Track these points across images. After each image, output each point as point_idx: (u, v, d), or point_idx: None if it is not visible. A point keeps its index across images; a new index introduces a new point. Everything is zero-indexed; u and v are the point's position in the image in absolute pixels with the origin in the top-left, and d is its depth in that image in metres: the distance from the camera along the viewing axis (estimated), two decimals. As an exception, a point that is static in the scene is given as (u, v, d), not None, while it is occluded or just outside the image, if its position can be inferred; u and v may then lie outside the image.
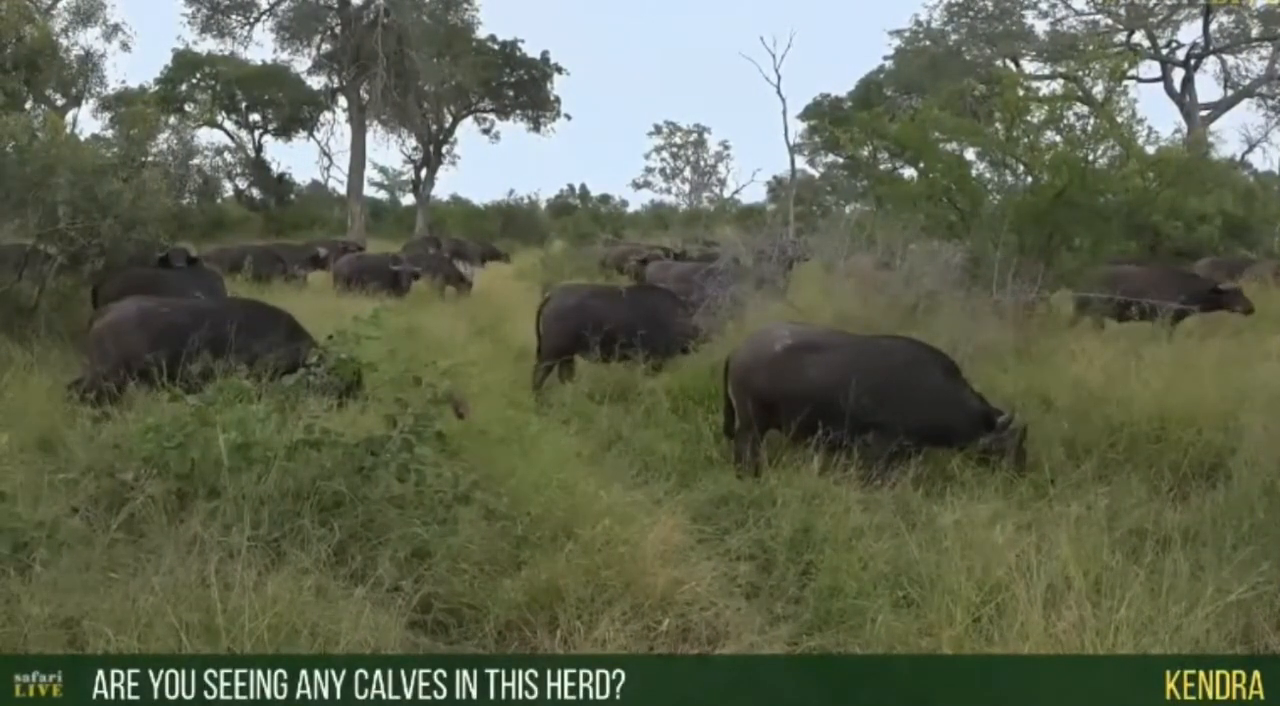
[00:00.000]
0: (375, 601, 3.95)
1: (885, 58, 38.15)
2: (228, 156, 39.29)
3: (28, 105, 12.67)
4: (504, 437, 6.57)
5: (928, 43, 36.02)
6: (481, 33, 38.12)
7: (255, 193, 39.57)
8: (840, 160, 37.88)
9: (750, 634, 4.39)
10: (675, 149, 56.43)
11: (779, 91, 34.75)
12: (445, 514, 4.78)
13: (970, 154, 13.87)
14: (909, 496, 6.08)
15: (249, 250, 18.17)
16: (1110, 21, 32.85)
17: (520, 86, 40.09)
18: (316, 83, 37.51)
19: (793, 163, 35.88)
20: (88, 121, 47.69)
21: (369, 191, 40.69)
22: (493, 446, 6.28)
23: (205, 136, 37.61)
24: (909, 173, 15.55)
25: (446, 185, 70.49)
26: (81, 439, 5.71)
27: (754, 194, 67.28)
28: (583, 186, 51.13)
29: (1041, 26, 34.04)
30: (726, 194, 55.33)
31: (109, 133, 22.32)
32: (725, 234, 22.79)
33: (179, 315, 7.97)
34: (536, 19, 61.80)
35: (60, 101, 26.64)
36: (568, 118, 41.17)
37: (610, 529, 4.83)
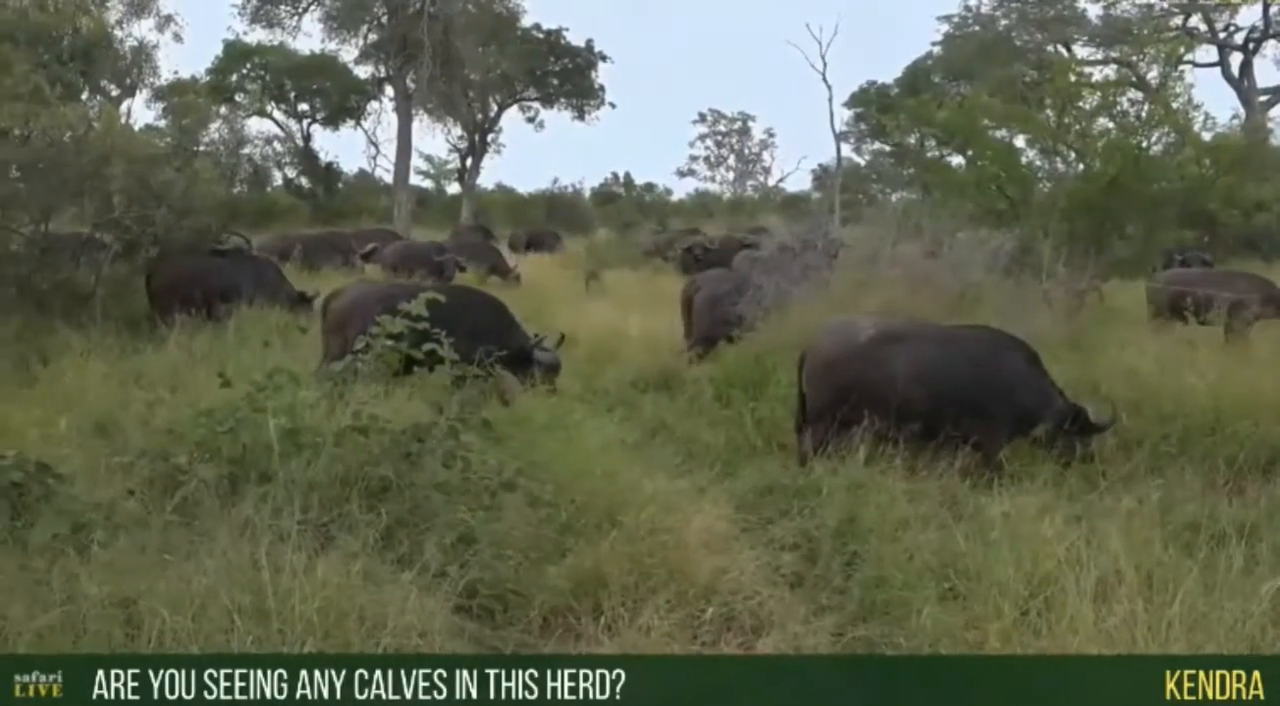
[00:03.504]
0: (422, 586, 3.99)
1: (933, 44, 37.64)
2: (277, 146, 39.82)
3: (83, 96, 12.91)
4: (548, 425, 6.60)
5: (977, 28, 35.43)
6: (526, 21, 38.16)
7: (303, 181, 40.05)
8: (886, 148, 37.44)
9: (794, 624, 4.36)
10: (720, 137, 56.29)
11: (825, 79, 34.27)
12: (490, 500, 4.81)
13: (1020, 141, 13.74)
14: (956, 487, 6.02)
15: (300, 239, 18.42)
16: (1166, 5, 32.06)
17: (564, 75, 40.08)
18: (363, 72, 37.79)
19: (838, 150, 35.44)
20: (141, 112, 48.50)
21: (415, 180, 40.95)
22: (537, 434, 6.31)
23: (255, 126, 38.19)
24: (957, 160, 15.42)
25: (491, 174, 70.74)
26: (136, 423, 5.84)
27: (799, 182, 66.96)
28: (627, 175, 51.10)
29: (1094, 10, 33.32)
30: (771, 182, 55.11)
31: (162, 123, 22.76)
32: (770, 223, 22.64)
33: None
34: (581, 7, 61.97)
35: (115, 92, 27.08)
36: (612, 106, 41.11)
37: (654, 517, 4.84)
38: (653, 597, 4.32)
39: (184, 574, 3.78)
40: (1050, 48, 33.19)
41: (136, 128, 14.77)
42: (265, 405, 4.86)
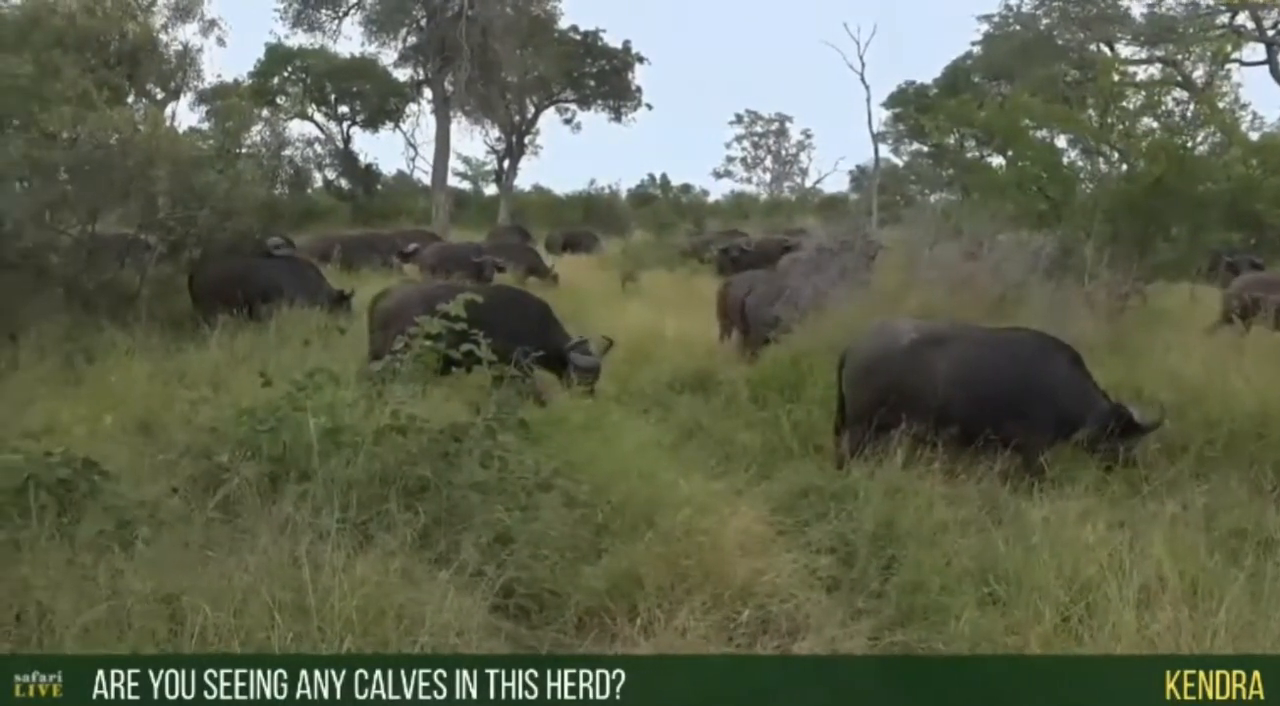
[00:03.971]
0: (459, 585, 4.01)
1: (973, 43, 37.19)
2: (317, 147, 40.26)
3: (130, 99, 13.13)
4: (585, 425, 6.62)
5: (1018, 27, 34.97)
6: (563, 23, 38.28)
7: (343, 183, 40.47)
8: (925, 149, 37.11)
9: (831, 627, 4.35)
10: (757, 138, 56.19)
11: (863, 79, 33.96)
12: (527, 500, 4.83)
13: (1062, 141, 13.57)
14: (995, 491, 5.96)
15: (340, 240, 18.63)
16: (1212, 2, 31.49)
17: (602, 76, 40.20)
18: (402, 75, 38.07)
19: (876, 151, 35.15)
20: (185, 114, 49.31)
21: (453, 182, 41.24)
22: (574, 434, 6.33)
23: (296, 128, 38.59)
24: (997, 161, 15.27)
25: (529, 175, 71.11)
26: (180, 422, 5.93)
27: (836, 183, 66.60)
28: (663, 176, 51.13)
29: (1138, 9, 32.74)
30: (808, 183, 54.90)
31: (205, 126, 23.08)
32: (807, 224, 22.56)
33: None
34: (618, 8, 62.06)
35: (160, 96, 27.51)
36: (649, 107, 41.14)
37: (690, 518, 4.84)
38: (689, 599, 4.32)
39: (226, 570, 3.83)
40: (1093, 47, 32.68)
41: (181, 130, 14.96)
42: (305, 404, 4.92)
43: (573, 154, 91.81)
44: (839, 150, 64.37)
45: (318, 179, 40.42)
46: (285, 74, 38.75)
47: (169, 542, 4.07)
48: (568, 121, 41.64)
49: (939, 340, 6.86)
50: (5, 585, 3.77)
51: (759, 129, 55.97)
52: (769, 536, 5.15)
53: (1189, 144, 11.88)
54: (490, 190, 45.86)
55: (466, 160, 46.46)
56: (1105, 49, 32.67)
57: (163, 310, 11.54)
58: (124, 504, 4.35)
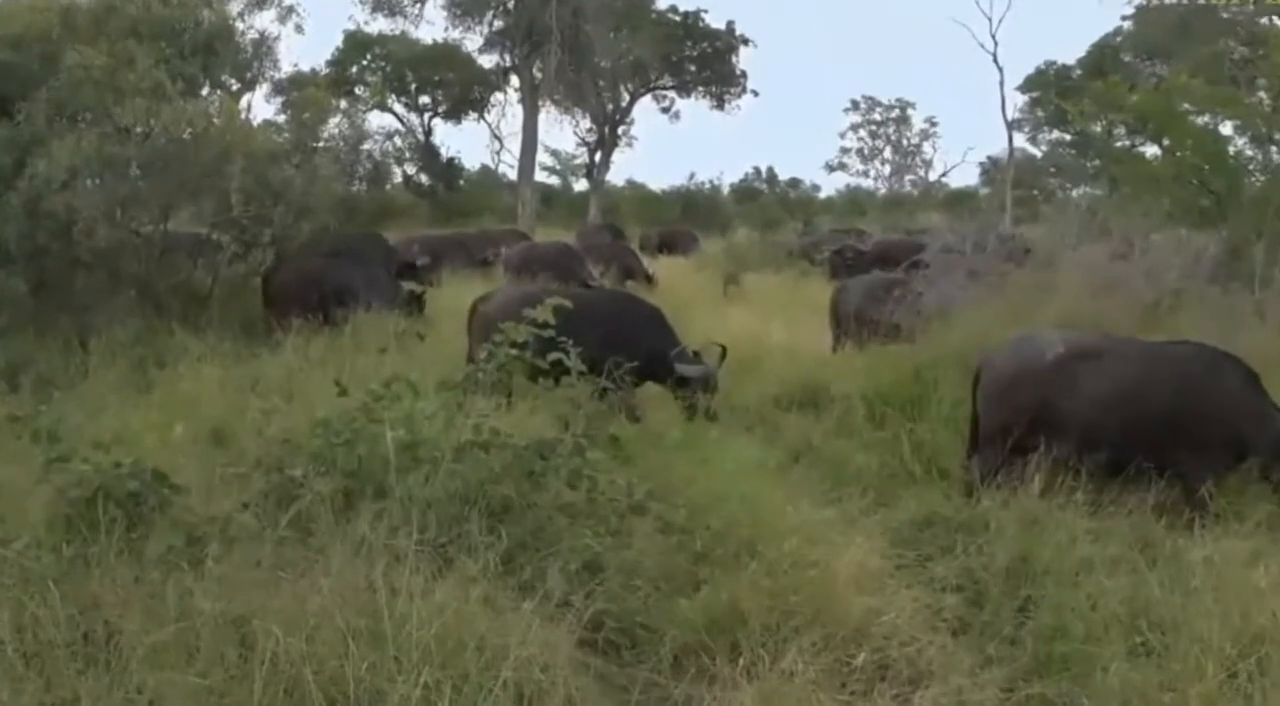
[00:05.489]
0: (544, 616, 4.04)
1: (1123, 18, 36.30)
2: (397, 141, 41.29)
3: (204, 91, 13.65)
4: (682, 444, 6.62)
5: (1175, -1, 33.97)
6: (661, 3, 38.64)
7: (423, 178, 41.42)
8: (1067, 137, 36.31)
9: (958, 676, 4.25)
10: (874, 127, 55.75)
11: (995, 60, 33.25)
12: (618, 525, 4.85)
13: (1227, 128, 13.12)
14: (1149, 526, 5.79)
15: (421, 240, 19.09)
16: None
17: (703, 61, 40.36)
18: (488, 61, 38.93)
19: (1010, 141, 34.61)
20: (260, 106, 51.01)
21: (540, 176, 41.92)
22: (670, 453, 6.34)
23: (375, 120, 39.70)
24: (1151, 151, 14.82)
25: (622, 169, 71.75)
26: (252, 432, 6.12)
27: (965, 176, 65.50)
28: (770, 169, 51.12)
29: (1319, -24, 31.48)
30: (933, 177, 54.13)
31: (281, 118, 23.85)
32: (931, 222, 22.21)
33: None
34: (722, -14, 62.01)
35: (234, 86, 28.49)
36: (754, 94, 41.24)
37: (798, 549, 4.80)
38: (796, 639, 4.27)
39: (298, 593, 3.93)
40: (1264, 20, 31.47)
41: (256, 123, 15.51)
42: (382, 416, 5.01)
43: (670, 146, 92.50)
44: (968, 140, 63.63)
45: (397, 174, 41.47)
46: (364, 62, 39.92)
47: (239, 561, 4.18)
48: (665, 110, 42.02)
49: (1090, 354, 6.69)
50: (74, 603, 3.93)
51: (877, 117, 55.51)
52: (887, 571, 5.06)
53: (1379, 130, 11.37)
54: (580, 185, 46.47)
55: (555, 153, 47.18)
56: (1278, 22, 31.42)
57: (235, 313, 11.97)
58: (194, 519, 4.50)
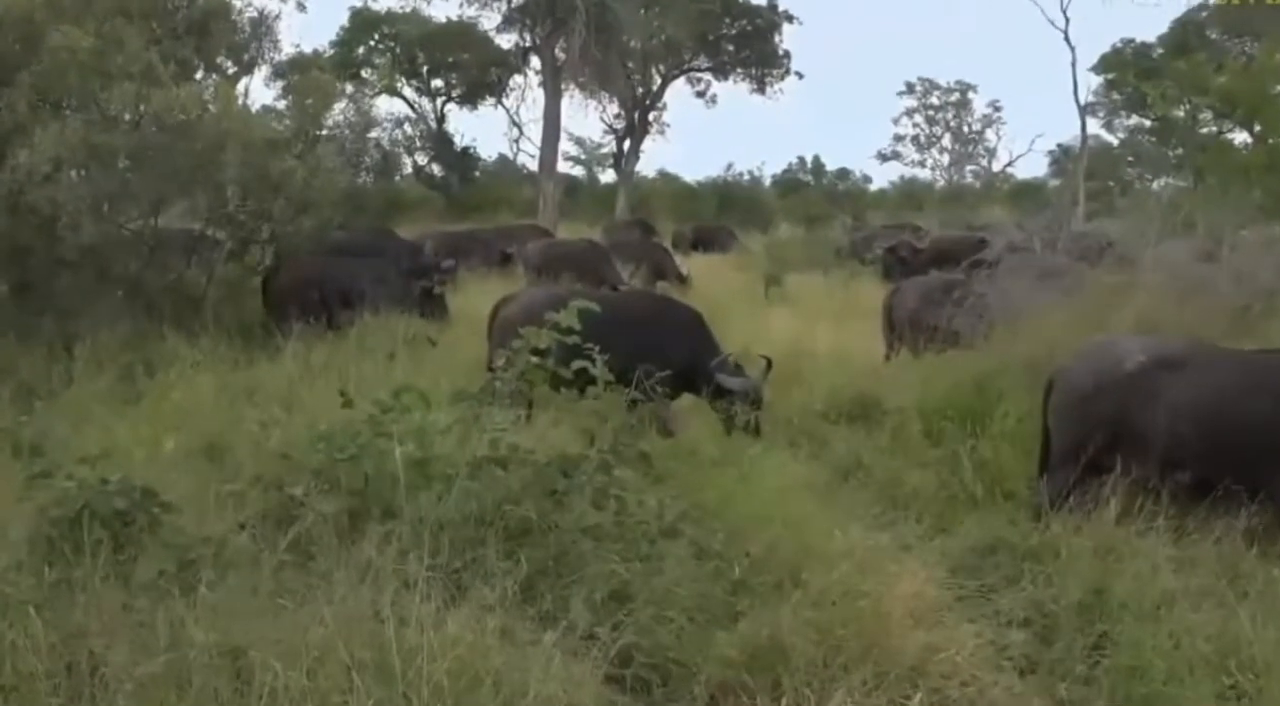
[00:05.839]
0: (567, 649, 4.05)
1: (1209, -9, 36.00)
2: (407, 128, 41.51)
3: (198, 75, 13.78)
4: (719, 461, 6.62)
5: (1268, -31, 33.68)
6: (697, -23, 38.59)
7: (436, 169, 41.62)
8: (1147, 123, 36.01)
9: (1026, 719, 4.23)
10: (932, 112, 55.52)
11: (1067, 38, 32.96)
12: (649, 549, 4.85)
13: (1326, 112, 12.95)
14: (1238, 554, 5.74)
15: (435, 236, 19.20)
16: None
17: (742, 39, 40.30)
18: (506, 41, 39.02)
19: (1083, 127, 34.18)
20: (259, 91, 51.51)
21: (563, 166, 42.04)
22: (706, 471, 6.33)
23: (384, 106, 39.91)
24: (1240, 137, 14.70)
25: (653, 159, 71.87)
26: (249, 446, 6.17)
27: (1032, 167, 65.12)
28: (815, 159, 51.13)
29: None
30: (996, 167, 53.85)
31: (281, 104, 24.06)
32: (995, 216, 22.10)
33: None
34: (763, -42, 62.01)
35: (231, 69, 28.75)
36: (799, 76, 41.12)
37: (847, 578, 4.80)
38: (845, 677, 4.27)
39: (299, 622, 3.95)
40: (1368, -8, 31.15)
41: (254, 109, 15.65)
42: (390, 429, 5.04)
43: (707, 133, 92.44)
44: (1036, 126, 63.19)
45: (407, 164, 41.69)
46: (372, 43, 40.19)
47: (235, 587, 4.21)
48: (700, 94, 41.97)
49: (1175, 364, 6.62)
50: (56, 631, 3.97)
51: (935, 101, 55.29)
52: (946, 603, 5.05)
53: None
54: (607, 177, 46.58)
55: (579, 141, 47.41)
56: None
57: (231, 315, 12.07)
58: (186, 541, 4.52)
